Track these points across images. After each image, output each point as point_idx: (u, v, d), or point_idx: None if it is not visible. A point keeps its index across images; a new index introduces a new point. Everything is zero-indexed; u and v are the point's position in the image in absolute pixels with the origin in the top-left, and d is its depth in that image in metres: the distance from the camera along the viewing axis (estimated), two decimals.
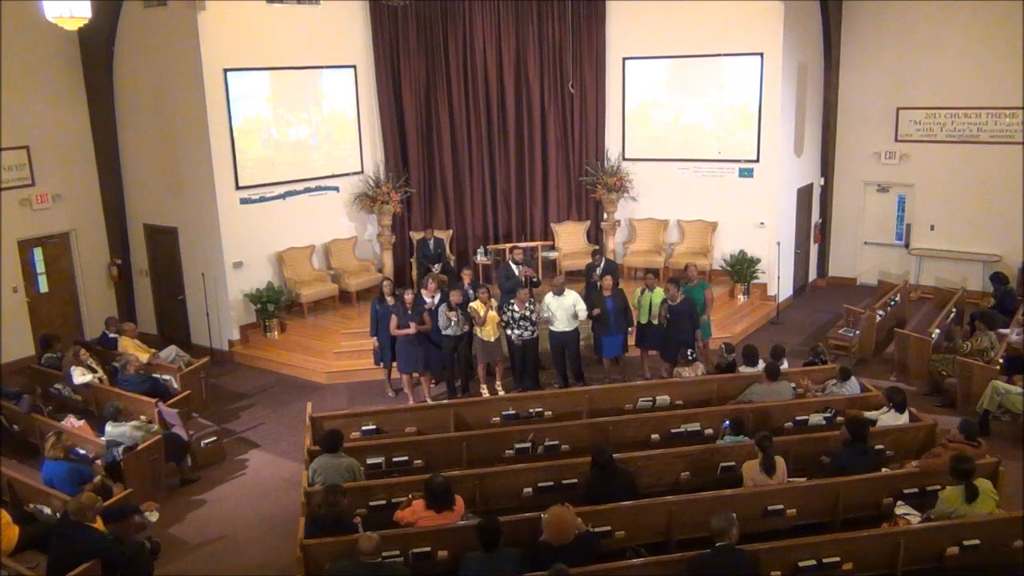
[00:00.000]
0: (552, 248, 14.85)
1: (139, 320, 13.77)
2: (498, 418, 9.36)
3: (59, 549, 6.94)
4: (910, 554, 6.85)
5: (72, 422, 9.75)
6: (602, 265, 12.18)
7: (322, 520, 6.92)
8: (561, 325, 11.11)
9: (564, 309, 11.08)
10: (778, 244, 14.12)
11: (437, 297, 11.14)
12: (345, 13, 13.86)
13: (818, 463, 8.18)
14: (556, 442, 8.69)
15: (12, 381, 11.43)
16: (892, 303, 13.26)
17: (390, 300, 11.16)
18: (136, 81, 13.27)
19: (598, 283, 11.53)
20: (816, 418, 9.02)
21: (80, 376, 10.68)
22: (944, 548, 6.88)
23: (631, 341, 11.82)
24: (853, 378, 9.73)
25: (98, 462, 8.86)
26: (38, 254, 13.23)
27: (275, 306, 13.05)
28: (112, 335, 11.97)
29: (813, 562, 6.63)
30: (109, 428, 9.24)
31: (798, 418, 9.03)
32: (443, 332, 10.92)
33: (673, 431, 8.92)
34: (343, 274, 14.05)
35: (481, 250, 14.57)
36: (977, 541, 6.88)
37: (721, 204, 14.60)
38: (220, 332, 13.21)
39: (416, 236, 14.45)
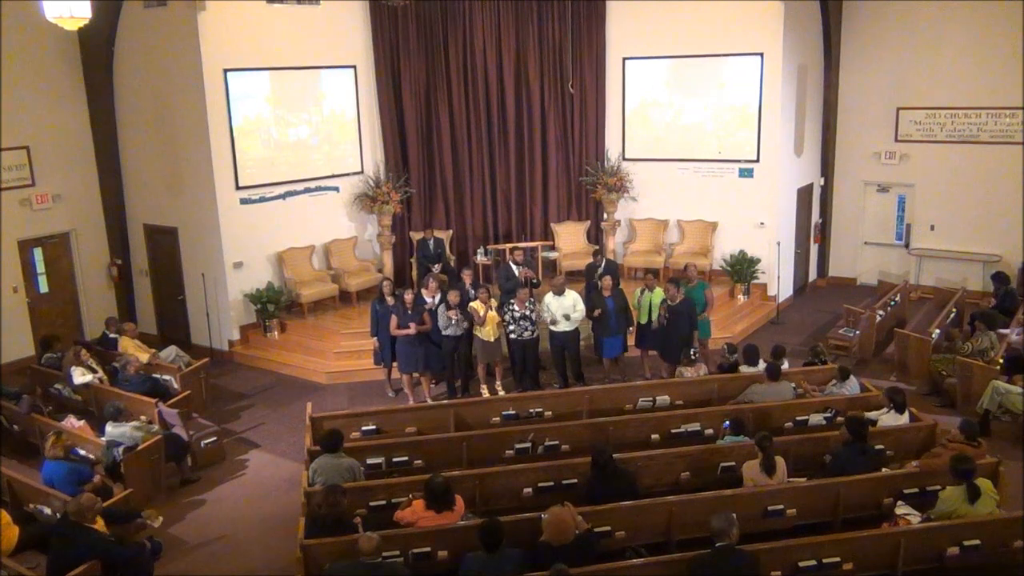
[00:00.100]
0: (552, 248, 14.84)
1: (139, 320, 13.77)
2: (498, 418, 9.34)
3: (59, 549, 6.93)
4: (910, 554, 6.84)
5: (72, 422, 9.76)
6: (603, 265, 12.17)
7: (322, 520, 6.91)
8: (562, 325, 11.10)
9: (564, 309, 11.08)
10: (778, 244, 14.11)
11: (437, 297, 11.13)
12: (345, 13, 13.85)
13: (820, 463, 8.17)
14: (556, 442, 8.68)
15: (12, 381, 11.43)
16: (892, 303, 13.25)
17: (390, 300, 11.15)
18: (136, 81, 13.26)
19: (598, 283, 11.52)
20: (816, 418, 9.01)
21: (80, 376, 10.68)
22: (944, 548, 6.87)
23: (631, 341, 11.81)
24: (853, 378, 9.73)
25: (94, 457, 8.87)
26: (38, 254, 13.23)
27: (275, 306, 13.05)
28: (112, 335, 11.97)
29: (813, 562, 6.62)
30: (109, 428, 9.24)
31: (798, 418, 9.02)
32: (443, 332, 10.91)
33: (673, 431, 8.91)
34: (343, 274, 14.04)
35: (481, 250, 14.57)
36: (977, 541, 6.87)
37: (721, 204, 14.59)
38: (220, 332, 13.21)
39: (416, 236, 14.44)
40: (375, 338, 11.33)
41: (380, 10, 14.01)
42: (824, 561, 6.64)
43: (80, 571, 6.69)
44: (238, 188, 12.94)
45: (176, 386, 10.92)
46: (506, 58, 14.69)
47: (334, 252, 14.19)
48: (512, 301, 11.11)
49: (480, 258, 14.37)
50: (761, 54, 13.78)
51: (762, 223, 14.26)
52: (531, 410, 9.42)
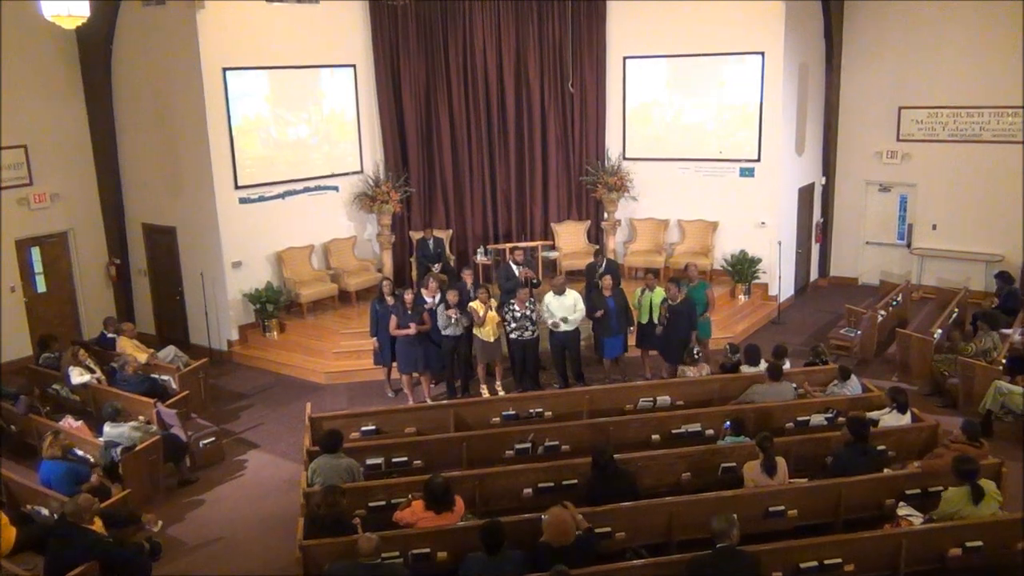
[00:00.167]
0: (552, 248, 14.81)
1: (137, 320, 13.72)
2: (498, 418, 9.33)
3: (56, 551, 6.90)
4: (912, 555, 6.83)
5: (70, 422, 9.74)
6: (603, 265, 12.13)
7: (321, 521, 6.90)
8: (562, 326, 11.06)
9: (565, 309, 11.04)
10: (779, 244, 14.07)
11: (437, 297, 11.10)
12: (344, 12, 13.82)
13: (821, 464, 8.14)
14: (556, 443, 8.66)
15: (10, 381, 11.40)
16: (894, 303, 13.21)
17: (390, 300, 11.12)
18: (135, 80, 13.23)
19: (599, 283, 11.49)
20: (817, 419, 8.98)
21: (78, 376, 10.66)
22: (946, 549, 6.85)
23: (631, 341, 11.77)
24: (854, 377, 9.70)
25: (92, 459, 8.84)
26: (36, 254, 13.19)
27: (274, 306, 13.01)
28: (110, 335, 11.94)
29: (814, 563, 6.61)
30: (107, 429, 9.21)
31: (799, 419, 9.00)
32: (442, 332, 10.88)
33: (674, 432, 8.90)
34: (342, 274, 14.01)
35: (481, 250, 14.53)
36: (980, 543, 6.85)
37: (722, 204, 14.55)
38: (219, 332, 13.17)
39: (416, 236, 14.41)
40: (375, 338, 11.29)
41: (380, 9, 13.97)
42: (825, 562, 6.63)
43: (78, 572, 6.66)
44: (237, 187, 12.90)
45: (174, 386, 10.88)
46: (506, 57, 14.65)
47: (333, 252, 14.15)
48: (512, 301, 11.07)
49: (480, 258, 14.34)
50: (762, 53, 13.74)
51: (763, 223, 14.22)
52: (531, 410, 9.40)
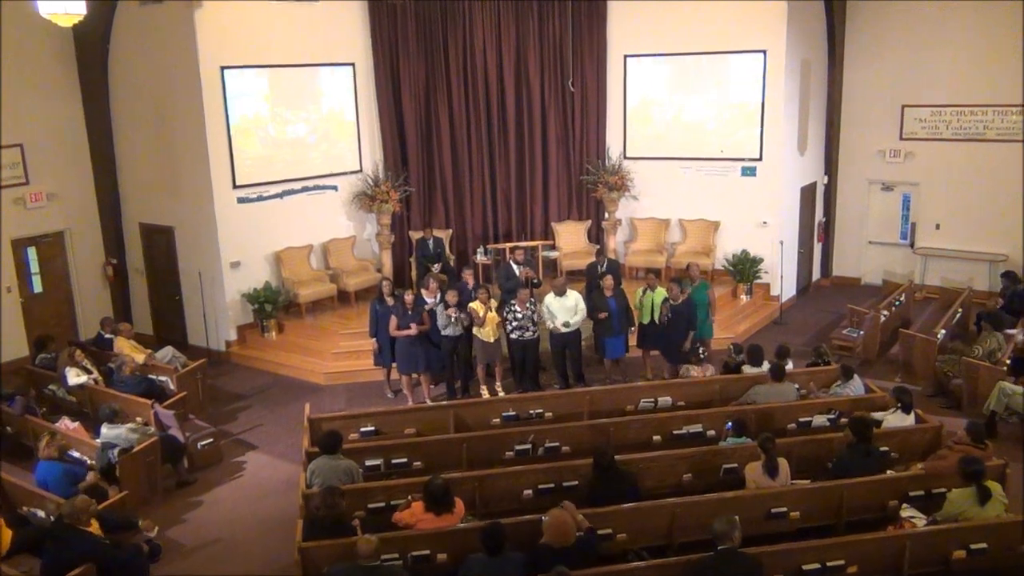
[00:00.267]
0: (553, 248, 14.76)
1: (135, 320, 13.64)
2: (498, 419, 9.30)
3: (53, 552, 6.86)
4: (916, 557, 6.79)
5: (67, 424, 9.71)
6: (604, 265, 12.06)
7: (320, 522, 6.87)
8: (563, 328, 10.99)
9: (567, 310, 10.99)
10: (781, 243, 14.01)
11: (438, 297, 11.04)
12: (343, 10, 13.76)
13: (823, 465, 8.10)
14: (557, 444, 8.63)
15: (6, 382, 11.33)
16: (897, 303, 13.16)
17: (390, 300, 11.06)
18: (132, 78, 13.17)
19: (600, 283, 11.42)
20: (820, 419, 8.94)
21: (75, 377, 10.62)
22: (950, 552, 6.82)
23: (632, 342, 11.71)
24: (857, 377, 9.65)
25: (91, 461, 8.78)
26: (32, 254, 13.12)
27: (273, 306, 12.96)
28: (107, 335, 11.90)
29: (817, 565, 6.59)
30: (105, 430, 9.17)
31: (801, 419, 8.96)
32: (442, 332, 10.83)
33: (675, 432, 8.87)
34: (341, 274, 13.94)
35: (481, 249, 14.49)
36: (984, 545, 6.82)
37: (723, 203, 14.49)
38: (217, 333, 13.11)
39: (415, 235, 14.35)
40: (374, 339, 11.24)
41: (379, 7, 13.92)
42: (828, 564, 6.60)
43: (75, 575, 6.61)
44: (235, 187, 12.84)
45: (172, 387, 10.84)
46: (506, 55, 14.59)
47: (332, 251, 14.09)
48: (513, 302, 11.02)
49: (480, 258, 14.30)
50: (764, 51, 13.68)
51: (765, 222, 14.16)
52: (531, 411, 9.37)
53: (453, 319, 10.70)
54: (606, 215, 14.95)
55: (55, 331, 12.77)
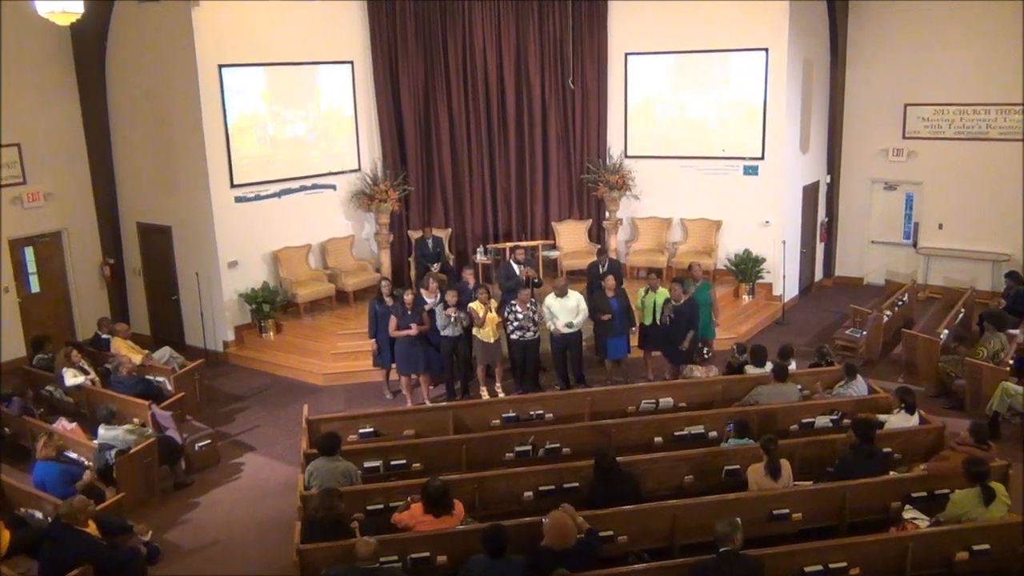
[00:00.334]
0: (553, 247, 14.72)
1: (132, 321, 13.57)
2: (498, 420, 9.28)
3: (51, 553, 6.85)
4: (918, 559, 6.77)
5: (64, 425, 9.67)
6: (606, 265, 12.00)
7: (319, 524, 6.85)
8: (564, 329, 10.93)
9: (568, 311, 10.93)
10: (783, 243, 13.97)
11: (437, 298, 10.98)
12: (342, 8, 13.71)
13: (826, 468, 8.05)
14: (557, 445, 8.60)
15: (4, 383, 11.23)
16: (900, 303, 13.12)
17: (389, 301, 11.01)
18: (129, 77, 13.12)
19: (601, 283, 11.36)
20: (822, 420, 8.89)
21: (72, 378, 10.57)
22: (953, 553, 6.80)
23: (634, 342, 11.64)
24: (860, 378, 9.61)
25: (88, 463, 8.72)
26: (29, 253, 13.07)
27: (271, 306, 12.91)
28: (105, 336, 11.85)
29: (819, 567, 6.58)
30: (102, 431, 9.12)
31: (804, 420, 8.92)
32: (441, 332, 10.78)
33: (676, 434, 8.84)
34: (340, 274, 13.89)
35: (481, 249, 14.44)
36: (987, 546, 6.79)
37: (725, 202, 14.44)
38: (215, 333, 13.06)
39: (414, 235, 14.30)
40: (373, 339, 11.18)
41: (378, 4, 13.86)
42: (830, 566, 6.58)
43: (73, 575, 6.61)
44: (233, 186, 12.79)
45: (170, 388, 10.80)
46: (506, 53, 14.54)
47: (331, 251, 14.04)
48: (513, 302, 10.96)
49: (480, 257, 14.25)
50: (766, 50, 13.63)
51: (767, 222, 14.11)
52: (532, 412, 9.35)
53: (452, 319, 10.65)
54: (607, 214, 14.89)
55: (52, 331, 12.71)
